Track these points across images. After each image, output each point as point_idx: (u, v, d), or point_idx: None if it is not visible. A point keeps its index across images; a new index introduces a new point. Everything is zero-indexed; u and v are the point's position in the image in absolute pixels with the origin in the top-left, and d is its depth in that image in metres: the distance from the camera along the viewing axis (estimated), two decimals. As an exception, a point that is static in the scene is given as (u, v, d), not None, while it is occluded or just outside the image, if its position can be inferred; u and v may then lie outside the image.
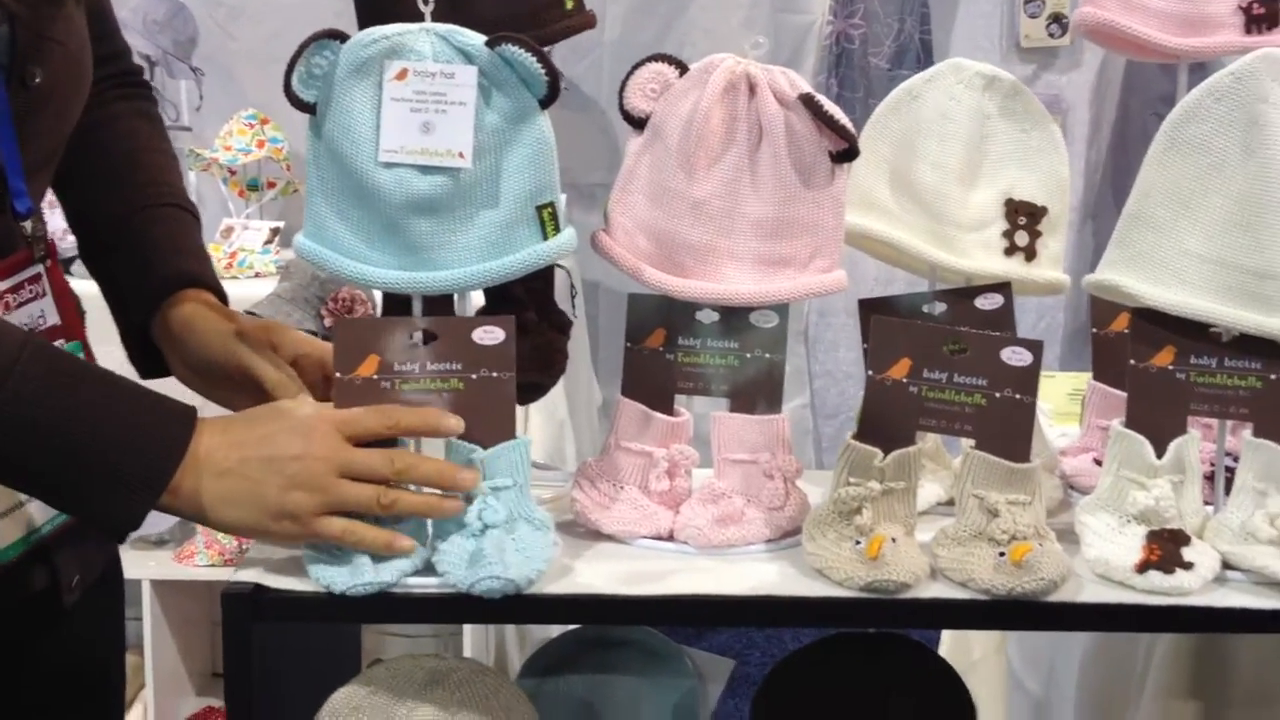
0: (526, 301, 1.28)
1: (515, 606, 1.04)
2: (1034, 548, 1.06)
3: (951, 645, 2.07)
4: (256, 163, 3.15)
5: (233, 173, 3.17)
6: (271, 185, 3.20)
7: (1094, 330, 1.35)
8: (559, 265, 3.07)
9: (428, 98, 1.08)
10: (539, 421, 2.75)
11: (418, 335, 1.12)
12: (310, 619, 1.07)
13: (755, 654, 3.35)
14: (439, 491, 1.08)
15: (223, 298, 1.26)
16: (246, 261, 2.94)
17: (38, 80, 1.09)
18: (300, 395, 1.13)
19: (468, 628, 2.51)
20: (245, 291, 2.55)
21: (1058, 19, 3.48)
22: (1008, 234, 1.29)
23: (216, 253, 2.96)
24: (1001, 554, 1.06)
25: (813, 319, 3.66)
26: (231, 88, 3.27)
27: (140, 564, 2.60)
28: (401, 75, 1.08)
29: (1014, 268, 1.29)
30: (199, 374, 1.21)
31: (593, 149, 3.25)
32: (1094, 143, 3.56)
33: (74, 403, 0.98)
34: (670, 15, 3.41)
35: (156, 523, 2.56)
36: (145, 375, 1.26)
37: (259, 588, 1.04)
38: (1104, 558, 1.09)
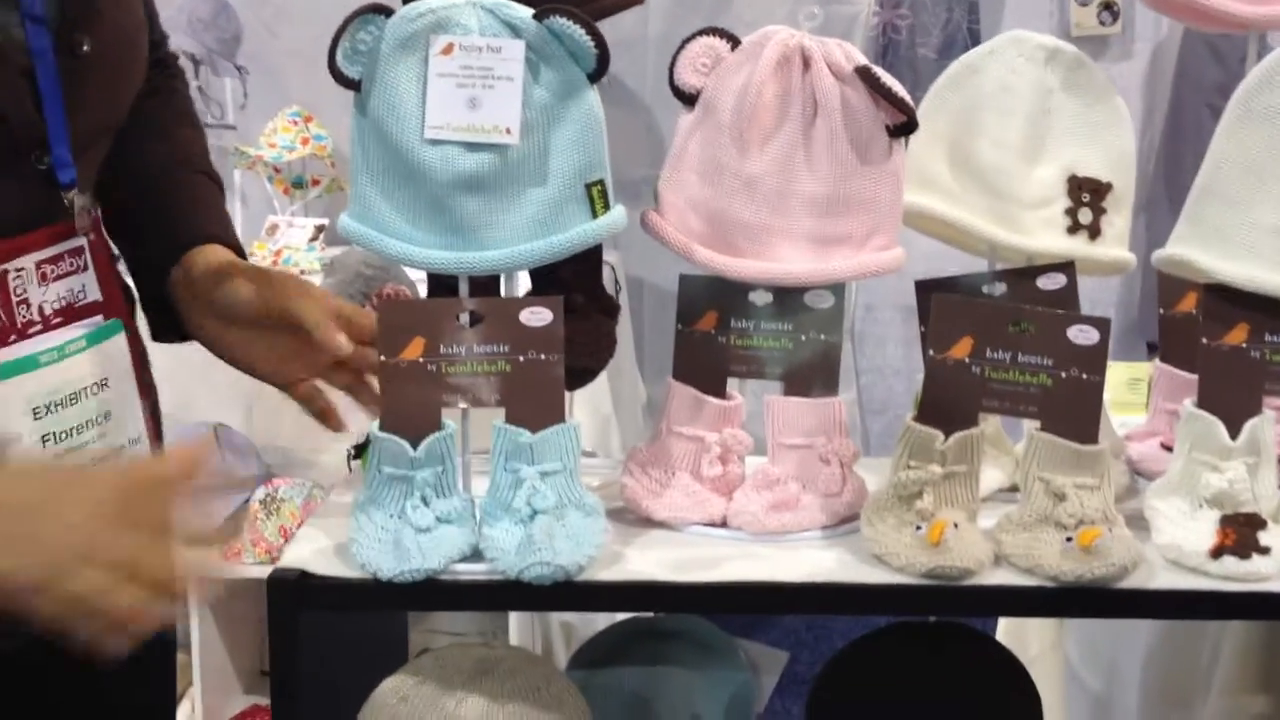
0: (574, 284, 1.26)
1: (565, 593, 1.01)
2: (1103, 532, 1.02)
3: (1007, 640, 2.02)
4: (301, 160, 3.15)
5: (277, 170, 3.17)
6: (316, 183, 3.20)
7: (1161, 310, 1.31)
8: (604, 261, 3.05)
9: (474, 73, 1.06)
10: (583, 416, 2.73)
11: (464, 317, 1.09)
12: (357, 606, 1.04)
13: (804, 653, 3.31)
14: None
15: (244, 259, 1.26)
16: (292, 259, 2.94)
17: (85, 49, 1.08)
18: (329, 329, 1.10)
19: (513, 623, 2.48)
20: (290, 289, 2.55)
21: (1108, 6, 3.42)
22: (1070, 211, 1.25)
23: (261, 250, 2.96)
24: (1069, 539, 1.02)
25: (859, 314, 3.62)
26: (276, 86, 3.27)
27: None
28: (448, 50, 1.06)
29: (1078, 246, 1.25)
30: (228, 320, 1.18)
31: (637, 144, 3.22)
32: (1146, 133, 3.50)
33: None
34: (714, 9, 3.38)
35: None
36: (157, 337, 1.25)
37: (305, 574, 1.02)
38: (1176, 543, 1.05)
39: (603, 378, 2.89)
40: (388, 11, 1.06)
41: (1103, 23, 3.43)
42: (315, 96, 3.11)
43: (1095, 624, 1.90)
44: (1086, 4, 3.42)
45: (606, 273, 3.42)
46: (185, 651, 2.65)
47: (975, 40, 3.43)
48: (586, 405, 2.71)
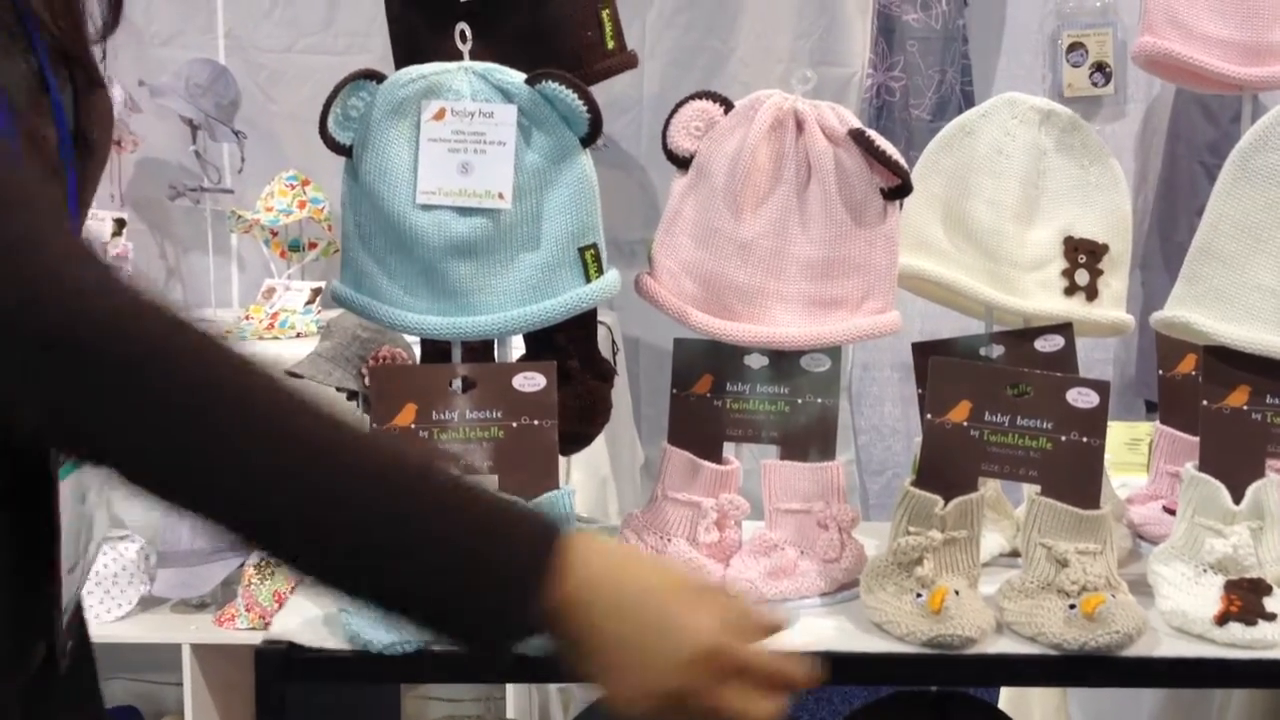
0: (569, 349, 1.25)
1: (558, 665, 0.99)
2: (1107, 599, 1.00)
3: (1010, 707, 1.99)
4: (298, 223, 3.15)
5: (274, 234, 3.16)
6: (313, 246, 3.19)
7: (1160, 372, 1.30)
8: (600, 321, 3.03)
9: (466, 137, 1.06)
10: (581, 478, 2.70)
11: (457, 383, 1.08)
12: (347, 679, 1.02)
13: (804, 718, 3.27)
14: None
15: None
16: (288, 322, 2.93)
17: (94, 137, 1.06)
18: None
19: (510, 689, 2.45)
20: (287, 351, 2.54)
21: (1101, 68, 3.44)
22: (1067, 273, 1.24)
23: (258, 313, 2.95)
24: (1072, 606, 1.00)
25: (856, 373, 3.61)
26: (272, 150, 3.28)
27: (180, 628, 2.56)
28: (439, 115, 1.06)
29: (1075, 308, 1.24)
30: None
31: (632, 205, 3.23)
32: (1140, 192, 3.51)
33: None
34: (709, 70, 3.40)
35: (198, 585, 2.55)
36: None
37: (293, 646, 1.00)
38: (1181, 609, 1.03)
39: (600, 440, 2.86)
40: (380, 77, 1.06)
41: (1095, 84, 3.45)
42: (312, 160, 3.12)
43: (1100, 690, 1.87)
44: (1079, 65, 3.45)
45: (603, 333, 3.42)
46: (179, 717, 2.61)
47: (969, 102, 3.44)
48: (584, 468, 2.69)
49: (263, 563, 2.51)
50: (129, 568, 2.57)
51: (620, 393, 3.22)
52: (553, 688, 2.56)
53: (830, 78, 3.49)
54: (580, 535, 0.85)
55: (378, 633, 0.99)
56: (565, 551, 0.82)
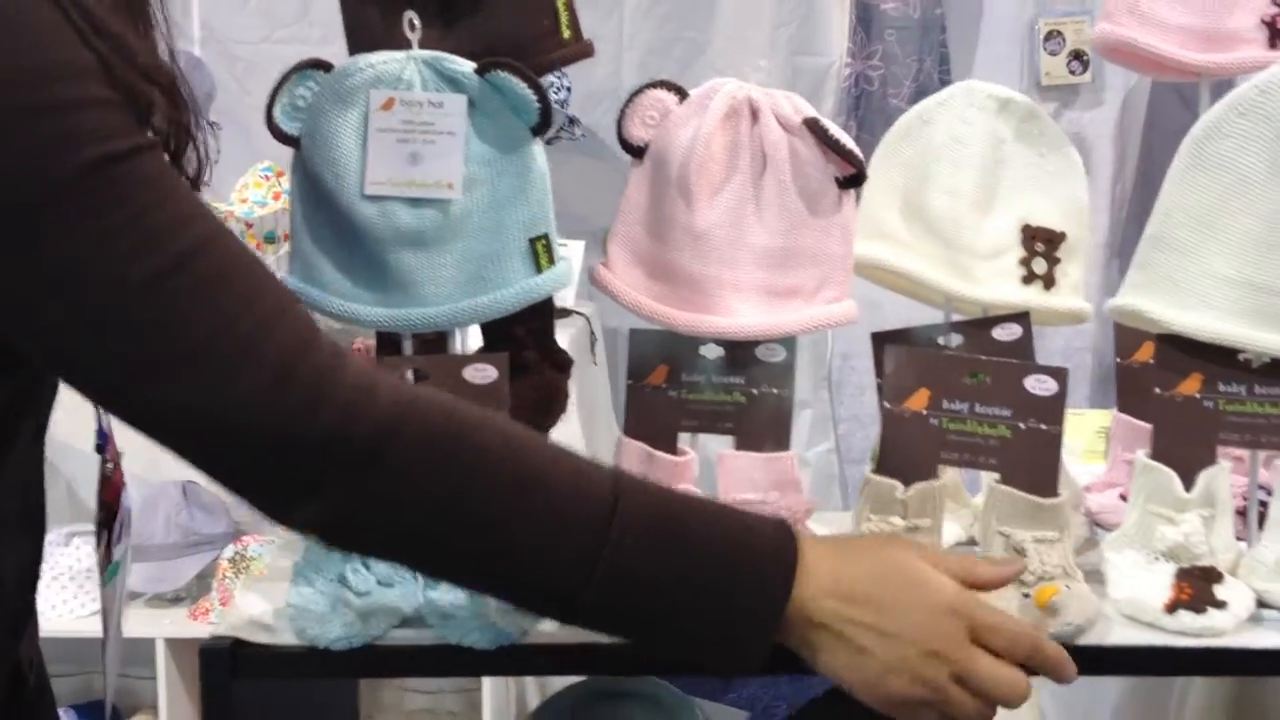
0: (526, 341, 1.24)
1: (507, 658, 0.99)
2: (1060, 589, 1.00)
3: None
4: (273, 215, 3.14)
5: (250, 225, 3.15)
6: (288, 237, 3.18)
7: (1118, 360, 1.30)
8: (577, 312, 3.00)
9: (415, 127, 1.05)
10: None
11: (409, 375, 1.07)
12: (293, 675, 1.02)
13: (782, 706, 3.27)
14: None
15: None
16: (263, 313, 2.92)
17: None
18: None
19: (486, 681, 2.44)
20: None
21: (1078, 56, 3.44)
22: (1025, 261, 1.24)
23: (233, 305, 2.94)
24: (1026, 595, 1.00)
25: (836, 363, 3.60)
26: (247, 141, 3.26)
27: (154, 622, 2.55)
28: (388, 105, 1.05)
29: (1032, 296, 1.24)
30: None
31: (609, 195, 3.22)
32: (1118, 179, 3.51)
33: (673, 559, 0.86)
34: (687, 60, 3.40)
35: (172, 579, 2.54)
36: None
37: (238, 643, 0.99)
38: (1132, 597, 1.03)
39: (577, 427, 2.84)
40: (327, 67, 1.06)
41: (1073, 72, 3.45)
42: (286, 152, 3.10)
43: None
44: (1056, 53, 3.44)
45: (581, 324, 3.38)
46: (151, 713, 2.60)
47: (947, 90, 3.44)
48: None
49: (236, 557, 2.50)
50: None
51: (600, 381, 3.22)
52: (529, 679, 2.55)
53: (809, 67, 3.49)
54: (806, 537, 0.89)
55: (325, 628, 0.99)
56: (802, 556, 0.86)
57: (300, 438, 0.79)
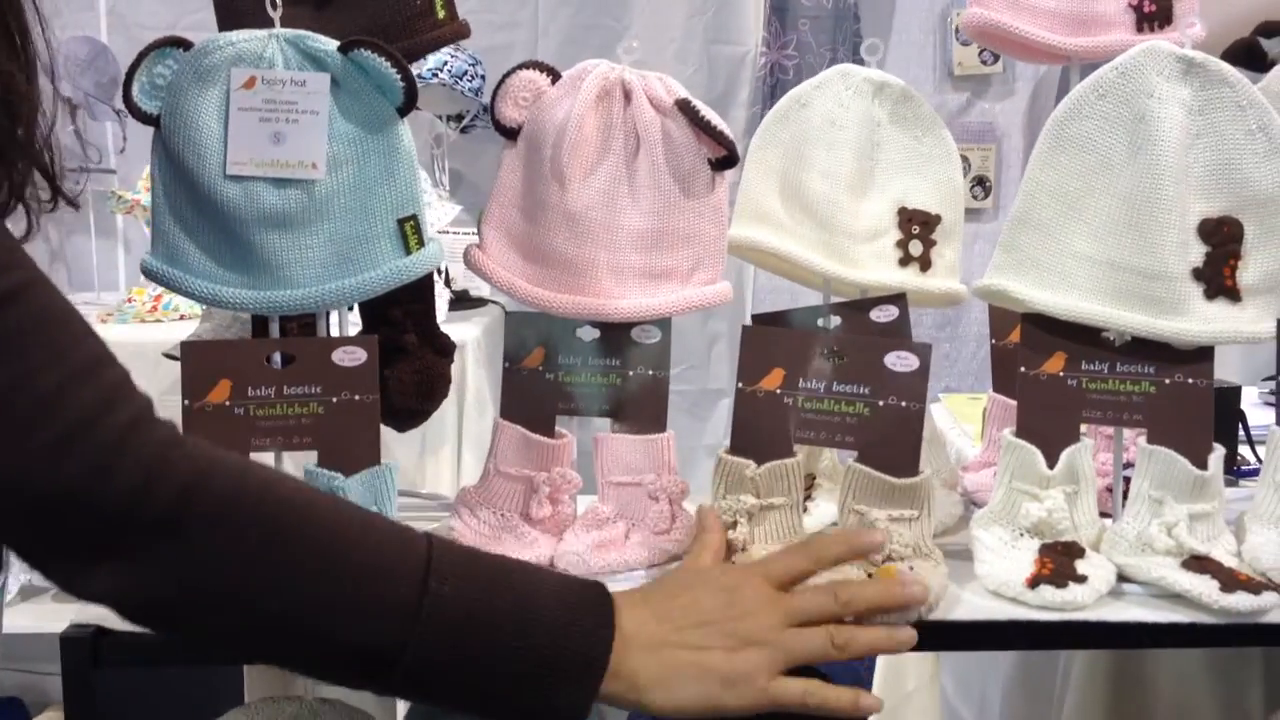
0: (405, 324, 1.23)
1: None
2: (896, 570, 1.00)
3: (885, 675, 2.02)
4: (181, 204, 3.09)
5: (157, 214, 3.11)
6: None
7: (993, 341, 1.31)
8: (493, 301, 2.98)
9: (278, 107, 1.04)
10: (472, 460, 2.69)
11: (276, 357, 1.06)
12: (158, 663, 1.00)
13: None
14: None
15: None
16: (171, 304, 2.88)
17: None
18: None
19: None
20: (170, 335, 2.48)
21: (991, 46, 3.48)
22: (901, 244, 1.25)
23: (141, 295, 2.90)
24: (870, 575, 1.00)
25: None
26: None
27: (63, 617, 2.52)
28: (250, 84, 1.04)
29: (909, 278, 1.25)
30: None
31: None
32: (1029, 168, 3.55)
33: (495, 600, 0.85)
34: (603, 47, 3.39)
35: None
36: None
37: (100, 630, 0.98)
38: (996, 573, 1.04)
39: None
40: (187, 45, 1.04)
41: (985, 62, 3.48)
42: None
43: (968, 656, 1.90)
44: (969, 44, 3.47)
45: (497, 312, 3.35)
46: (58, 709, 2.56)
47: (861, 79, 3.46)
48: (477, 449, 2.66)
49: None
50: (9, 556, 2.51)
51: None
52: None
53: (724, 56, 3.50)
54: (620, 595, 0.90)
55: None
56: (618, 621, 0.88)
57: (90, 501, 0.75)
